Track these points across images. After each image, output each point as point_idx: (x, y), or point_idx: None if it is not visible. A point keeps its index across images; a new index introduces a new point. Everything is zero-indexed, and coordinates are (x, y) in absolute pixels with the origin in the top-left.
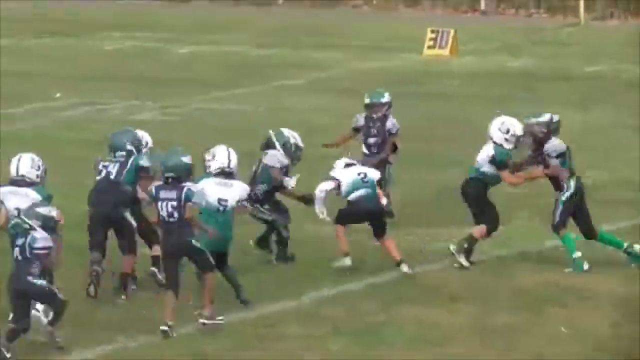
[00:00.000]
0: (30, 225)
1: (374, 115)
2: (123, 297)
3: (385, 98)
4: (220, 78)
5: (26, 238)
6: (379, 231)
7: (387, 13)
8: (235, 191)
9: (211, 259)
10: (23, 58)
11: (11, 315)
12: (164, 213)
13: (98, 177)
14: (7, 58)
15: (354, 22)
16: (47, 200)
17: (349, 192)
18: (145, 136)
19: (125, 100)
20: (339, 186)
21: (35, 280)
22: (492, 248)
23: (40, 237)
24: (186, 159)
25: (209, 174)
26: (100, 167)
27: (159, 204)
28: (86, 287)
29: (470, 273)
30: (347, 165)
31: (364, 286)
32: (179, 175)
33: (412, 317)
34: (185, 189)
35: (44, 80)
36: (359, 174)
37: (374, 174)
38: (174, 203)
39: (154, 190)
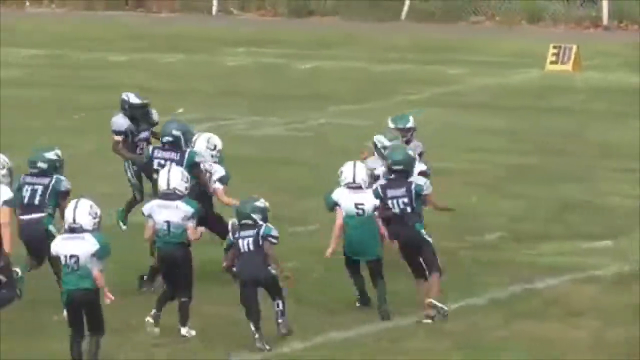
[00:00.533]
0: (255, 220)
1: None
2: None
3: (410, 123)
4: (343, 93)
5: (258, 229)
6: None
7: (509, 29)
8: (370, 195)
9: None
10: (142, 73)
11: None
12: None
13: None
14: (124, 72)
15: (476, 38)
16: (197, 212)
17: None
18: (215, 139)
19: (247, 115)
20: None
21: (272, 270)
22: (612, 262)
23: (273, 227)
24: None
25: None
26: (156, 164)
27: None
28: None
29: (590, 288)
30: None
31: (486, 301)
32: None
33: (531, 332)
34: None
35: (167, 96)
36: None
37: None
38: (405, 199)
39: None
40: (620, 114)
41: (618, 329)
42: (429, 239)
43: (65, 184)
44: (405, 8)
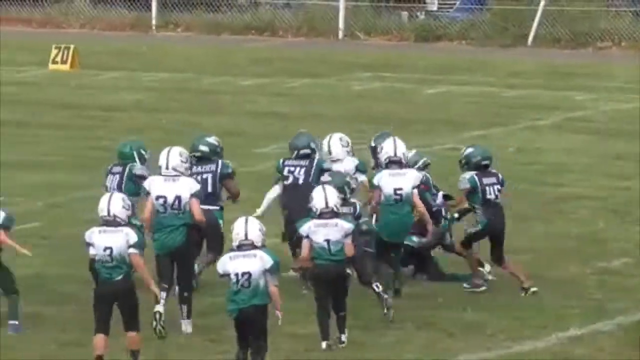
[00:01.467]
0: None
1: None
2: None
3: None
4: (470, 119)
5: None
6: None
7: (637, 54)
8: (410, 178)
9: None
10: (273, 98)
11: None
12: (491, 196)
13: (286, 182)
14: (257, 97)
15: (602, 63)
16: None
17: None
18: (345, 137)
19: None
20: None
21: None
22: None
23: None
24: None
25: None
26: (286, 172)
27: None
28: None
29: None
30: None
31: (614, 327)
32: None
33: None
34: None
35: (293, 121)
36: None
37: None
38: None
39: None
40: None
41: None
42: None
43: (230, 167)
44: (532, 33)
